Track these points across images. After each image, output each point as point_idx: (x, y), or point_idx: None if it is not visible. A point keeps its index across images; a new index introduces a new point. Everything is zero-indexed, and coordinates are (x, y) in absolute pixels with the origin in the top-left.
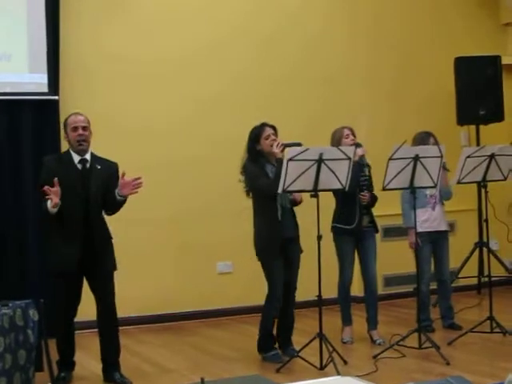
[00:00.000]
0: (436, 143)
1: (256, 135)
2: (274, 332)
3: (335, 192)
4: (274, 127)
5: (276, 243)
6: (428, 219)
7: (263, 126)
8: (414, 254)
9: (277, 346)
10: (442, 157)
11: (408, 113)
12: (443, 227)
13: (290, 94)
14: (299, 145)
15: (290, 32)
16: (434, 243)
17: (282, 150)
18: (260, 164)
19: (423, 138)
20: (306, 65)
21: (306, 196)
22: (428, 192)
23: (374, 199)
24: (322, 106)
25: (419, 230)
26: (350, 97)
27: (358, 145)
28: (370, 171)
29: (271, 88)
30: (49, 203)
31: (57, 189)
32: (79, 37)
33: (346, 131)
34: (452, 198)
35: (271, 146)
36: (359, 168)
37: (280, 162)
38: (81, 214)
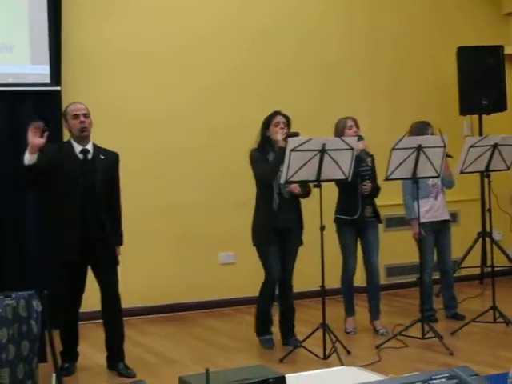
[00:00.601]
0: (433, 134)
1: (267, 121)
2: (277, 323)
3: (337, 182)
4: (287, 117)
5: (269, 231)
6: (431, 209)
7: (276, 113)
8: (417, 244)
9: (273, 330)
10: (444, 147)
11: (409, 104)
12: (445, 216)
13: (288, 86)
14: (297, 134)
15: (287, 24)
16: (436, 233)
17: (284, 139)
18: (265, 150)
19: (420, 128)
20: (304, 56)
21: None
22: (430, 182)
23: (376, 190)
24: (320, 99)
25: (422, 220)
26: (350, 89)
27: (359, 137)
28: (373, 162)
29: (269, 80)
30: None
31: (42, 140)
32: (81, 27)
33: (350, 122)
34: (454, 186)
35: (276, 133)
36: (358, 159)
37: (280, 150)
38: (81, 204)
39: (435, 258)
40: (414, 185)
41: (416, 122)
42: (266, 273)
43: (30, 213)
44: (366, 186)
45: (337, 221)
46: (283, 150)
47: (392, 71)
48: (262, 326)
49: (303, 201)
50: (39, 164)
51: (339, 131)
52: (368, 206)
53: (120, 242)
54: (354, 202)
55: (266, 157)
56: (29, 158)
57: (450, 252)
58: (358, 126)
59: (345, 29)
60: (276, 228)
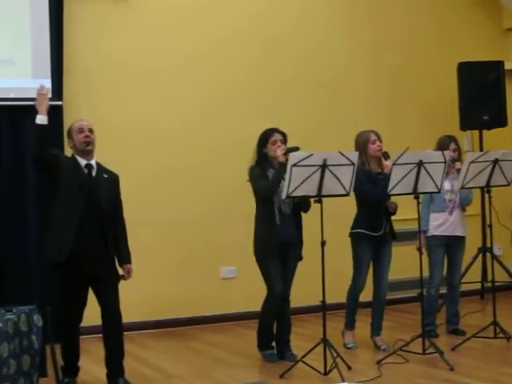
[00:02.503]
0: (457, 148)
1: (264, 139)
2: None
3: (362, 199)
4: (283, 134)
5: (272, 246)
6: (443, 223)
7: (273, 131)
8: (427, 257)
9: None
10: (445, 162)
11: (410, 118)
12: (460, 233)
13: (293, 99)
14: (297, 149)
15: (292, 37)
16: (448, 247)
17: (284, 155)
18: (263, 167)
19: (445, 143)
20: (308, 69)
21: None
22: (447, 196)
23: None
24: (324, 111)
25: (434, 233)
26: (353, 101)
27: (385, 155)
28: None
29: (274, 93)
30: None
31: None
32: (82, 42)
33: (373, 136)
34: (471, 202)
35: (275, 151)
36: (388, 177)
37: (281, 166)
38: (82, 213)
39: (445, 272)
40: (430, 198)
41: (442, 135)
42: (268, 289)
43: (33, 225)
44: (392, 206)
45: (357, 236)
46: (284, 165)
47: (394, 86)
48: (265, 341)
49: (302, 216)
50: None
51: (362, 145)
52: (387, 222)
53: (129, 260)
54: (379, 219)
55: (266, 173)
56: (41, 118)
57: (460, 268)
58: (381, 140)
59: (349, 43)
60: (278, 243)
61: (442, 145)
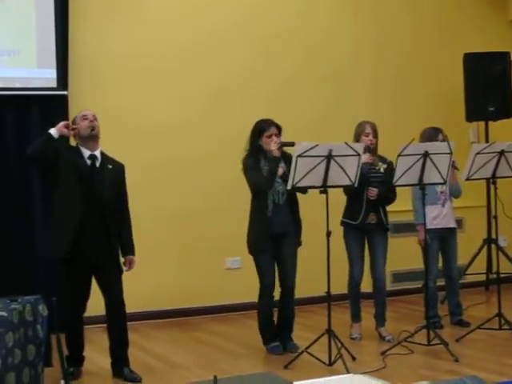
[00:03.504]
0: (445, 139)
1: (259, 131)
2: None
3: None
4: (279, 127)
5: (263, 238)
6: (438, 216)
7: (269, 123)
8: (422, 250)
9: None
10: (451, 153)
11: (416, 110)
12: (452, 224)
13: (296, 92)
14: (293, 144)
15: (295, 30)
16: (442, 240)
17: (279, 149)
18: (256, 159)
19: (431, 134)
20: (311, 62)
21: (315, 191)
22: (438, 188)
23: (385, 197)
24: (327, 104)
25: (429, 226)
26: (356, 95)
27: (367, 149)
28: (389, 169)
29: (277, 86)
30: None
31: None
32: (88, 32)
33: (368, 129)
34: (461, 195)
35: (270, 144)
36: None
37: (275, 160)
38: (82, 206)
39: (440, 264)
40: (422, 191)
41: (426, 128)
42: (260, 283)
43: (38, 216)
44: (372, 192)
45: (342, 224)
46: (277, 159)
47: (398, 78)
48: (268, 334)
49: (308, 206)
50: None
51: (357, 134)
52: (373, 212)
53: (133, 252)
54: (357, 207)
55: (259, 164)
56: (53, 131)
57: (456, 259)
58: (375, 135)
59: (353, 35)
60: (271, 234)
61: (429, 136)
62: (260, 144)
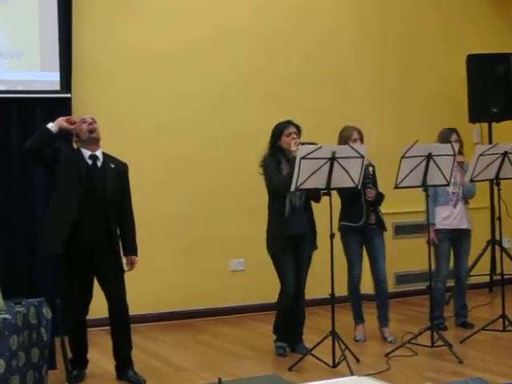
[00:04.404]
0: (459, 140)
1: (279, 131)
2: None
3: (339, 190)
4: (298, 127)
5: (283, 240)
6: (449, 216)
7: (288, 123)
8: (433, 250)
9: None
10: (454, 155)
11: (418, 112)
12: (464, 225)
13: (299, 92)
14: (314, 144)
15: (298, 30)
16: (453, 241)
17: None
18: (277, 160)
19: (446, 135)
20: (314, 63)
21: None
22: (451, 189)
23: (380, 197)
24: (330, 105)
25: (439, 226)
26: (359, 95)
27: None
28: (374, 171)
29: (279, 86)
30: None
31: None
32: (91, 34)
33: (355, 134)
34: (474, 196)
35: (290, 144)
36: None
37: (295, 160)
38: (79, 209)
39: (451, 265)
40: (435, 192)
41: (443, 128)
42: (281, 284)
43: (42, 218)
44: (370, 193)
45: (341, 228)
46: None
47: (401, 79)
48: (279, 330)
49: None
50: (52, 141)
51: (343, 140)
52: (372, 213)
53: (135, 252)
54: (358, 209)
55: (280, 166)
56: (51, 125)
57: (467, 260)
58: (362, 139)
59: (354, 36)
60: (289, 236)
61: (444, 137)
62: (280, 145)
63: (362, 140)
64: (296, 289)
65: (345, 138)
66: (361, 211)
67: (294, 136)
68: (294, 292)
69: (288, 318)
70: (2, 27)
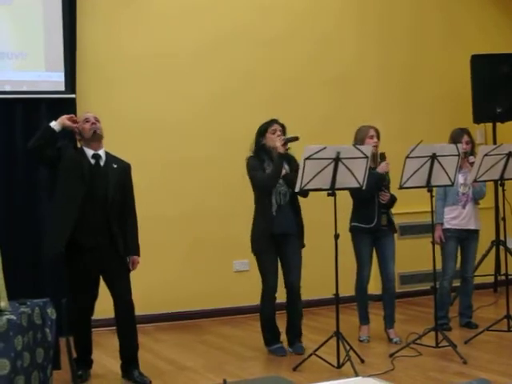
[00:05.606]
0: (470, 141)
1: (263, 129)
2: (283, 330)
3: (352, 191)
4: (283, 125)
5: (266, 238)
6: (457, 217)
7: (272, 121)
8: (440, 250)
9: (282, 340)
10: (459, 155)
11: (422, 112)
12: (473, 226)
13: (301, 93)
14: (297, 139)
15: (300, 31)
16: (461, 241)
17: (283, 145)
18: (261, 158)
19: (457, 136)
20: (316, 64)
21: (323, 194)
22: (460, 190)
23: (393, 200)
24: (332, 106)
25: (447, 226)
26: (362, 96)
27: (382, 156)
28: (388, 173)
29: (281, 88)
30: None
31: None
32: (95, 35)
33: (372, 132)
34: (484, 196)
35: (274, 140)
36: (380, 177)
37: (280, 157)
38: (81, 208)
39: (458, 265)
40: (445, 191)
41: (455, 128)
42: (262, 281)
43: (47, 218)
44: (385, 196)
45: (353, 229)
46: (282, 156)
47: (405, 80)
48: (270, 336)
49: (315, 209)
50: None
51: (360, 139)
52: (383, 214)
53: (137, 252)
54: (371, 211)
55: (263, 165)
56: (54, 123)
57: (473, 261)
58: (379, 137)
59: (357, 37)
60: (274, 234)
61: (455, 137)
62: (264, 143)
63: (378, 137)
64: (290, 287)
65: (361, 138)
66: (373, 213)
67: (279, 133)
68: (275, 291)
69: (272, 318)
70: (7, 28)
